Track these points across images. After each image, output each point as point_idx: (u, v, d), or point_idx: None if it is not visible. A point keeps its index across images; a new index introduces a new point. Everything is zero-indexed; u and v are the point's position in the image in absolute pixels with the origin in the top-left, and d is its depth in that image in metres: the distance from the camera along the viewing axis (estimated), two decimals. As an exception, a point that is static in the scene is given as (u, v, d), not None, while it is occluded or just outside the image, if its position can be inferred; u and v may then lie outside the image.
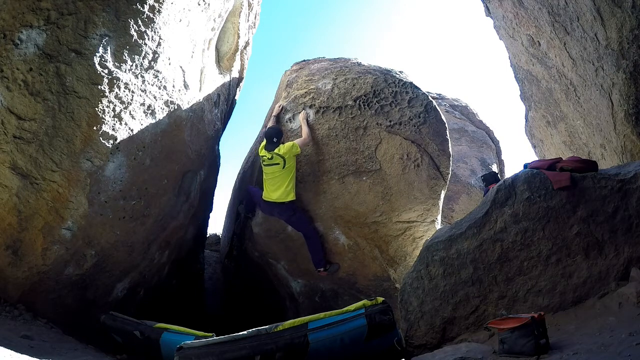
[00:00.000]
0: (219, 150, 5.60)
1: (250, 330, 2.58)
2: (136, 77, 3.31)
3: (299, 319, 2.68)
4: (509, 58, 6.39)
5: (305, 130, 4.36)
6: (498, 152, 10.16)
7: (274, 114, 4.64)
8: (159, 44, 3.40)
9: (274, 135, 4.34)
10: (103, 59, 3.06)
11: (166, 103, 3.73)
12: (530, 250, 2.78)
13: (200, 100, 4.39)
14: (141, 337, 3.20)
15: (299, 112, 4.50)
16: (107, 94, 3.13)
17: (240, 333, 2.56)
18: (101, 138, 3.20)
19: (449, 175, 4.66)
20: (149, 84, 3.45)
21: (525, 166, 3.20)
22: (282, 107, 4.62)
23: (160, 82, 3.57)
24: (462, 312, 2.91)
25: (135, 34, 3.17)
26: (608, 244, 2.67)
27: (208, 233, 7.65)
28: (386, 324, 2.63)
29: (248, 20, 5.59)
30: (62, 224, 3.24)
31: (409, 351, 3.03)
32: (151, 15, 3.24)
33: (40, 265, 3.23)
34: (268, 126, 4.61)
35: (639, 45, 3.36)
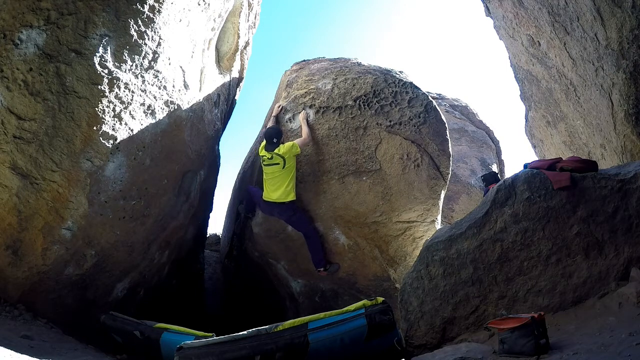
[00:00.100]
0: (219, 150, 5.60)
1: (250, 330, 2.58)
2: (136, 77, 3.31)
3: (299, 319, 2.68)
4: (509, 58, 6.39)
5: (305, 130, 4.36)
6: (498, 152, 10.17)
7: (273, 114, 4.65)
8: (159, 44, 3.40)
9: (273, 135, 4.34)
10: (103, 59, 3.06)
11: (166, 103, 3.73)
12: (530, 250, 2.78)
13: (200, 100, 4.39)
14: (141, 337, 3.20)
15: (299, 112, 4.50)
16: (107, 94, 3.13)
17: (240, 333, 2.56)
18: (101, 138, 3.20)
19: (449, 175, 4.66)
20: (149, 84, 3.45)
21: (525, 166, 3.20)
22: (282, 107, 4.62)
23: (160, 82, 3.57)
24: (462, 312, 2.91)
25: (135, 34, 3.17)
26: (608, 244, 2.67)
27: (208, 233, 7.65)
28: (386, 324, 2.63)
29: (248, 20, 5.59)
30: (62, 224, 3.24)
31: (409, 351, 3.03)
32: (151, 15, 3.24)
33: (40, 265, 3.23)
34: (268, 126, 4.62)
35: (639, 45, 3.36)
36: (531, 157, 9.53)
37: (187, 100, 4.04)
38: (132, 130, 3.42)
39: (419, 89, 4.53)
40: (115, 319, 3.40)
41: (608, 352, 1.85)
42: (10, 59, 2.80)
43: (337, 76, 4.50)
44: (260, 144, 4.69)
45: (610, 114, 4.03)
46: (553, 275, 2.71)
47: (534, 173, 2.92)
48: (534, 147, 7.13)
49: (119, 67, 3.16)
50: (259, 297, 5.99)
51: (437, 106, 4.60)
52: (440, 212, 4.73)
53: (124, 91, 3.24)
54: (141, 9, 3.15)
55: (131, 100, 3.32)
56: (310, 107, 4.48)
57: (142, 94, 3.41)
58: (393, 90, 4.43)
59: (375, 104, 4.40)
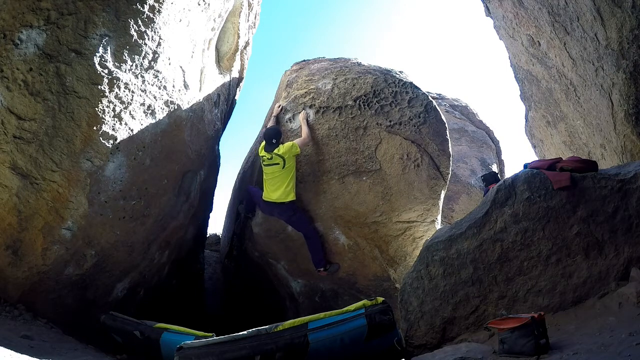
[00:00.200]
0: (219, 150, 5.60)
1: (250, 330, 2.58)
2: (136, 77, 3.31)
3: (299, 319, 2.68)
4: (509, 58, 6.39)
5: (305, 130, 4.36)
6: (498, 152, 10.17)
7: (273, 114, 4.65)
8: (159, 44, 3.40)
9: (273, 136, 4.34)
10: (103, 59, 3.06)
11: (166, 103, 3.73)
12: (530, 250, 2.78)
13: (200, 100, 4.39)
14: (141, 337, 3.20)
15: (299, 112, 4.50)
16: (107, 94, 3.13)
17: (240, 333, 2.56)
18: (101, 138, 3.20)
19: (449, 175, 4.66)
20: (149, 84, 3.45)
21: (525, 166, 3.20)
22: (282, 107, 4.62)
23: (160, 82, 3.57)
24: (462, 312, 2.91)
25: (135, 34, 3.17)
26: (608, 244, 2.67)
27: (208, 233, 7.65)
28: (386, 324, 2.63)
29: (248, 20, 5.59)
30: (62, 224, 3.24)
31: (409, 351, 3.03)
32: (151, 15, 3.24)
33: (40, 265, 3.23)
34: (268, 126, 4.62)
35: (639, 45, 3.36)
36: (531, 157, 9.54)
37: (187, 100, 4.04)
38: (132, 130, 3.42)
39: (419, 89, 4.53)
40: (115, 319, 3.40)
41: (608, 352, 1.85)
42: (10, 59, 2.80)
43: (337, 76, 4.50)
44: (260, 144, 4.69)
45: (610, 114, 4.03)
46: (553, 275, 2.71)
47: (534, 173, 2.92)
48: (534, 147, 7.13)
49: (119, 67, 3.16)
50: (259, 297, 5.99)
51: (437, 106, 4.60)
52: (440, 212, 4.73)
53: (124, 91, 3.24)
54: (141, 9, 3.15)
55: (131, 100, 3.32)
56: (310, 107, 4.48)
57: (142, 94, 3.41)
58: (393, 90, 4.43)
59: (375, 104, 4.40)
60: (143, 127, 3.52)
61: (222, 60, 5.23)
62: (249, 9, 5.48)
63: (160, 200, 3.98)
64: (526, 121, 7.02)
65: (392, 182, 4.44)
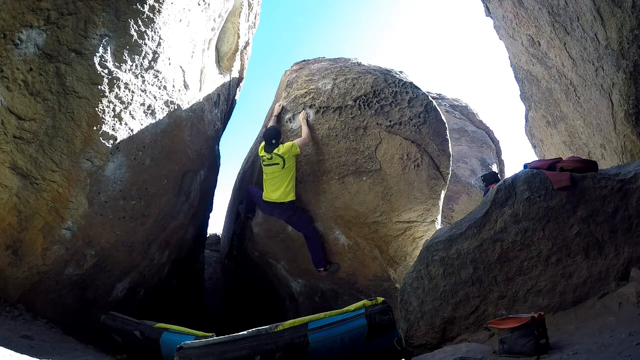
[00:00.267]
0: (219, 150, 5.60)
1: (250, 330, 2.58)
2: (136, 77, 3.31)
3: (299, 319, 2.68)
4: (509, 58, 6.39)
5: (304, 130, 4.36)
6: (498, 152, 10.17)
7: (274, 113, 4.64)
8: (159, 44, 3.40)
9: (272, 136, 4.34)
10: (103, 59, 3.06)
11: (166, 103, 3.73)
12: (530, 250, 2.78)
13: (200, 100, 4.39)
14: (141, 337, 3.20)
15: (299, 112, 4.50)
16: (107, 94, 3.13)
17: (240, 333, 2.56)
18: (101, 138, 3.20)
19: (449, 175, 4.66)
20: (149, 84, 3.45)
21: (525, 166, 3.20)
22: (283, 107, 4.62)
23: (160, 82, 3.57)
24: (462, 312, 2.91)
25: (135, 34, 3.17)
26: (608, 244, 2.67)
27: (208, 233, 7.65)
28: (386, 324, 2.63)
29: (248, 20, 5.59)
30: (62, 224, 3.24)
31: (409, 351, 3.03)
32: (151, 15, 3.24)
33: (40, 265, 3.23)
34: (268, 126, 4.61)
35: (639, 45, 3.36)
36: (531, 157, 9.54)
37: (187, 100, 4.04)
38: (132, 130, 3.42)
39: (419, 89, 4.53)
40: (115, 319, 3.40)
41: (608, 352, 1.85)
42: (10, 59, 2.80)
43: (337, 76, 4.50)
44: (260, 144, 4.69)
45: (610, 114, 4.04)
46: (553, 275, 2.71)
47: (534, 173, 2.92)
48: (534, 147, 7.13)
49: (119, 67, 3.16)
50: (259, 297, 5.99)
51: (437, 106, 4.60)
52: (440, 212, 4.73)
53: (124, 91, 3.24)
54: (141, 9, 3.15)
55: (131, 100, 3.32)
56: (310, 107, 4.48)
57: (142, 94, 3.41)
58: (393, 90, 4.43)
59: (375, 104, 4.40)
60: (143, 127, 3.52)
61: (222, 60, 5.23)
62: (249, 9, 5.48)
63: (160, 200, 3.98)
64: (526, 121, 7.02)
65: (392, 182, 4.44)
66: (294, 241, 4.89)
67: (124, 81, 3.21)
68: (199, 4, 3.88)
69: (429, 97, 4.57)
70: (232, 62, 5.36)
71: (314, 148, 4.47)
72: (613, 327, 2.15)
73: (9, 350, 2.29)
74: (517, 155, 32.49)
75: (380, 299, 2.76)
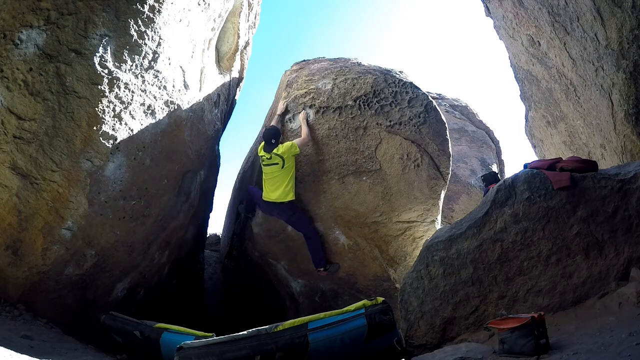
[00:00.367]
0: (219, 150, 5.60)
1: (250, 330, 2.58)
2: (136, 77, 3.31)
3: (299, 319, 2.68)
4: (509, 58, 6.39)
5: (304, 130, 4.36)
6: (498, 152, 10.17)
7: (278, 112, 4.61)
8: (159, 44, 3.40)
9: (272, 135, 4.34)
10: (103, 59, 3.06)
11: (166, 103, 3.73)
12: (530, 250, 2.78)
13: (200, 100, 4.39)
14: (141, 337, 3.20)
15: (299, 112, 4.50)
16: (107, 94, 3.13)
17: (240, 333, 2.56)
18: (101, 138, 3.20)
19: (449, 175, 4.66)
20: (149, 84, 3.45)
21: (525, 166, 3.20)
22: (287, 105, 4.59)
23: (160, 82, 3.57)
24: (462, 312, 2.91)
25: (135, 34, 3.17)
26: (608, 244, 2.67)
27: (208, 233, 7.65)
28: (386, 324, 2.63)
29: (248, 20, 5.59)
30: (62, 224, 3.24)
31: (409, 351, 3.03)
32: (151, 15, 3.24)
33: (40, 265, 3.23)
34: (269, 126, 4.61)
35: (639, 45, 3.36)
36: (531, 157, 9.54)
37: (187, 100, 4.04)
38: (132, 130, 3.42)
39: (419, 89, 4.53)
40: (115, 319, 3.40)
41: (608, 352, 1.85)
42: (10, 59, 2.80)
43: (337, 76, 4.50)
44: (260, 144, 4.69)
45: (610, 114, 4.03)
46: (553, 275, 2.71)
47: (534, 173, 2.91)
48: (534, 147, 7.13)
49: (119, 67, 3.16)
50: (259, 297, 5.99)
51: (437, 106, 4.60)
52: (440, 212, 4.73)
53: (124, 91, 3.24)
54: (141, 9, 3.15)
55: (131, 100, 3.32)
56: (310, 107, 4.48)
57: (142, 94, 3.41)
58: (393, 90, 4.43)
59: (375, 104, 4.40)
60: (143, 127, 3.52)
61: (222, 60, 5.23)
62: (249, 9, 5.48)
63: (160, 200, 3.98)
64: (526, 121, 7.02)
65: (392, 182, 4.44)
66: (294, 241, 4.89)
67: (124, 81, 3.21)
68: (199, 4, 3.88)
69: (429, 97, 4.57)
70: (232, 62, 5.36)
71: (314, 148, 4.47)
72: (613, 327, 2.15)
73: (9, 350, 2.29)
74: (517, 155, 32.57)
75: (380, 299, 2.76)
